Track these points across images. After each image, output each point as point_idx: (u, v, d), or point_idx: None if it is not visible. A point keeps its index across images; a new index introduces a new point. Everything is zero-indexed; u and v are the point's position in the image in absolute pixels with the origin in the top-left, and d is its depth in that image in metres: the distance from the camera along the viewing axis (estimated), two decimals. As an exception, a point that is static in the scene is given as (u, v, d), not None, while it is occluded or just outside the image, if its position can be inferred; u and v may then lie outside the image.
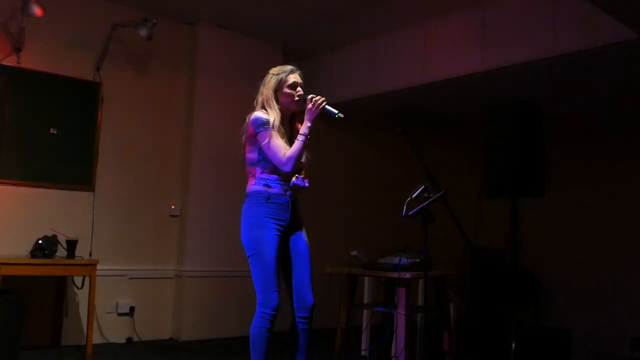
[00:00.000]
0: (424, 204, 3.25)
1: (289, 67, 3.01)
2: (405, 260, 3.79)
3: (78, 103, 4.95)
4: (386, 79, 5.55)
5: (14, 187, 4.58)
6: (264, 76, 3.03)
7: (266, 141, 2.83)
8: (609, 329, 5.95)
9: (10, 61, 4.58)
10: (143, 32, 4.86)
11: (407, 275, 3.69)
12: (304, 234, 3.00)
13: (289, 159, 2.82)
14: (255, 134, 2.87)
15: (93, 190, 4.96)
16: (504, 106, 4.03)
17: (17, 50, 4.60)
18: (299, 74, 3.02)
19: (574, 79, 4.96)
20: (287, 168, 2.82)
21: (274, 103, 2.93)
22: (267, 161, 2.89)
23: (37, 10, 4.35)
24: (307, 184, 2.94)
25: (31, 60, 4.67)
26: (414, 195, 3.28)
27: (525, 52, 4.49)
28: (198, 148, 5.45)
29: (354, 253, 4.53)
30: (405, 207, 3.24)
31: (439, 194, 3.27)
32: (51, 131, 4.77)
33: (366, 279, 4.65)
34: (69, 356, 4.43)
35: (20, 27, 4.57)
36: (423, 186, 3.30)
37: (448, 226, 3.52)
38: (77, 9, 4.95)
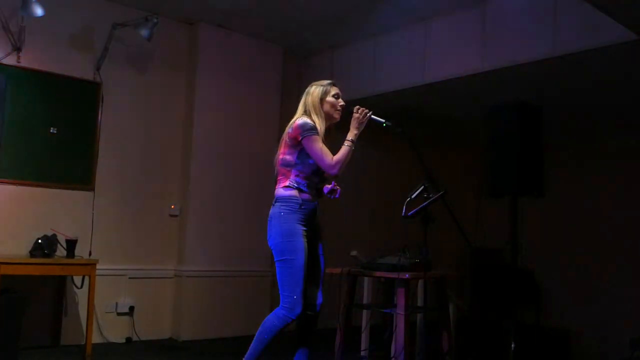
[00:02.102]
0: (424, 204, 3.25)
1: (329, 81, 3.23)
2: (405, 260, 3.79)
3: (78, 102, 4.94)
4: (386, 79, 5.55)
5: (13, 187, 4.58)
6: (308, 87, 3.22)
7: (313, 145, 2.98)
8: (608, 329, 5.94)
9: (10, 60, 4.58)
10: (143, 32, 4.85)
11: (407, 275, 3.69)
12: (321, 237, 3.19)
13: (337, 162, 3.00)
14: (301, 138, 3.00)
15: (93, 189, 4.96)
16: (504, 107, 4.04)
17: (17, 49, 4.60)
18: (339, 88, 3.23)
19: (574, 79, 4.96)
20: (335, 171, 3.00)
21: (320, 111, 3.10)
22: (304, 165, 3.04)
23: (37, 10, 4.35)
24: (338, 195, 3.17)
25: (31, 59, 4.67)
26: (413, 196, 3.28)
27: (525, 53, 4.49)
28: (198, 148, 5.45)
29: (354, 253, 4.53)
30: (405, 207, 3.24)
31: (438, 194, 3.27)
32: (51, 131, 4.77)
33: (366, 279, 4.65)
34: (69, 356, 4.43)
35: (20, 27, 4.58)
36: (423, 186, 3.30)
37: (448, 226, 3.52)
38: (77, 9, 4.95)
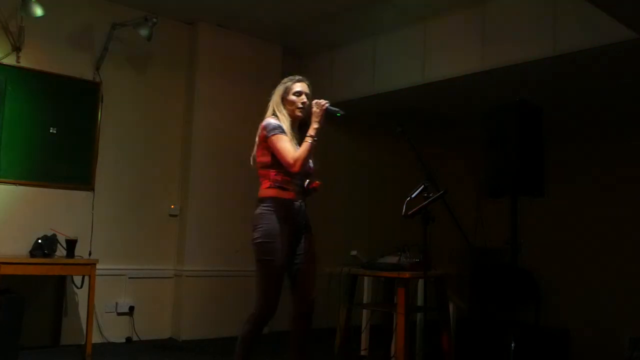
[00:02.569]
0: (424, 203, 3.25)
1: (297, 77, 3.17)
2: (405, 260, 3.79)
3: (78, 102, 4.94)
4: (386, 78, 5.55)
5: (13, 187, 4.58)
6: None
7: (276, 144, 2.93)
8: (608, 329, 5.94)
9: (10, 60, 4.58)
10: (143, 32, 4.85)
11: (407, 275, 3.69)
12: (311, 237, 3.12)
13: (297, 159, 2.91)
14: (267, 138, 2.97)
15: (93, 189, 4.96)
16: (503, 106, 4.03)
17: (17, 49, 4.60)
18: (307, 84, 3.16)
19: (574, 78, 4.96)
20: (295, 169, 2.91)
21: (282, 109, 3.07)
22: (280, 165, 2.97)
23: (36, 10, 4.34)
24: (317, 187, 3.07)
25: (31, 59, 4.67)
26: (413, 195, 3.28)
27: (525, 52, 4.49)
28: (198, 147, 5.45)
29: (354, 253, 4.54)
30: (404, 206, 3.24)
31: (438, 194, 3.27)
32: (51, 130, 4.77)
33: (366, 278, 4.65)
34: (69, 355, 4.43)
35: (19, 27, 4.58)
36: (423, 186, 3.30)
37: (448, 226, 3.52)
38: (76, 9, 4.95)
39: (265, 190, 3.01)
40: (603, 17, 3.78)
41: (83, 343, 4.49)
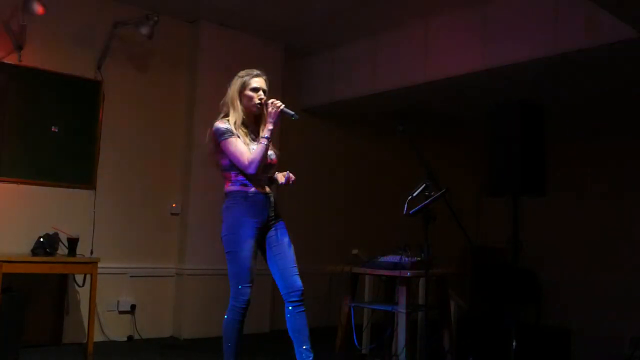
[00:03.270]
0: (425, 202, 3.25)
1: (255, 71, 3.15)
2: (406, 258, 3.79)
3: (79, 101, 4.95)
4: (387, 77, 5.55)
5: (15, 185, 4.59)
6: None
7: (229, 148, 2.99)
8: (609, 329, 5.94)
9: (11, 59, 4.59)
10: (144, 30, 4.85)
11: (408, 273, 3.70)
12: (283, 225, 3.16)
13: (251, 161, 2.96)
14: (219, 143, 3.03)
15: (94, 188, 4.97)
16: (505, 105, 4.03)
17: (19, 48, 4.60)
18: (264, 79, 3.15)
19: (575, 77, 4.96)
20: (251, 170, 2.97)
21: (238, 104, 3.08)
22: None
23: (38, 8, 4.35)
24: (291, 181, 3.16)
25: (32, 58, 4.68)
26: (414, 194, 3.29)
27: (526, 51, 4.49)
28: (199, 146, 5.45)
29: (355, 251, 4.54)
30: (406, 205, 3.24)
31: (439, 193, 3.27)
32: (52, 129, 4.77)
33: (367, 277, 4.65)
34: (70, 354, 4.43)
35: (21, 25, 4.57)
36: (424, 185, 3.30)
37: (449, 225, 3.52)
38: (78, 7, 4.95)
39: (229, 187, 3.07)
40: (604, 16, 3.78)
41: (85, 341, 4.50)
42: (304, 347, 2.99)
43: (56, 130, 4.79)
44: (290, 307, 3.01)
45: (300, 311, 3.02)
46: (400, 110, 6.11)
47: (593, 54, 4.26)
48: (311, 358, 2.99)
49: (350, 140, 6.80)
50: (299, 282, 3.05)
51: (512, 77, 4.93)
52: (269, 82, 3.19)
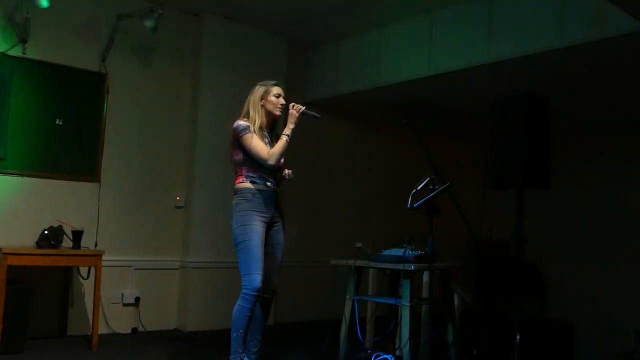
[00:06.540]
0: (429, 196, 3.25)
1: (272, 81, 3.57)
2: (410, 252, 3.79)
3: (84, 94, 4.95)
4: (392, 70, 5.53)
5: (19, 178, 4.60)
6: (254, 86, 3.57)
7: (250, 142, 3.33)
8: (613, 322, 5.93)
9: (16, 52, 4.59)
10: (149, 23, 4.84)
11: (412, 267, 3.69)
12: (282, 226, 3.54)
13: (273, 154, 3.33)
14: (239, 138, 3.36)
15: (99, 181, 4.98)
16: (510, 98, 4.00)
17: (23, 40, 4.60)
18: (282, 88, 3.57)
19: (581, 70, 4.93)
20: (271, 162, 3.32)
21: (260, 108, 3.46)
22: (251, 161, 3.37)
23: (42, 1, 4.34)
24: (291, 176, 3.57)
25: (37, 50, 4.68)
26: (419, 188, 3.28)
27: (531, 44, 4.46)
28: (203, 139, 5.45)
29: (359, 245, 4.52)
30: (410, 199, 3.24)
31: (444, 186, 3.26)
32: (57, 122, 4.78)
33: (371, 270, 4.66)
34: (75, 346, 4.45)
35: (25, 18, 4.57)
36: (428, 178, 3.30)
37: (453, 218, 3.51)
38: (82, 0, 4.94)
39: (239, 183, 3.40)
40: (610, 9, 3.75)
41: (89, 333, 4.52)
42: (258, 337, 3.46)
43: (61, 123, 4.79)
44: (260, 299, 3.36)
45: (267, 305, 3.50)
46: (405, 103, 6.10)
47: (599, 46, 4.23)
48: (257, 347, 3.45)
49: (354, 134, 6.79)
50: (277, 282, 3.51)
51: (517, 70, 4.90)
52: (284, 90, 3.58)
